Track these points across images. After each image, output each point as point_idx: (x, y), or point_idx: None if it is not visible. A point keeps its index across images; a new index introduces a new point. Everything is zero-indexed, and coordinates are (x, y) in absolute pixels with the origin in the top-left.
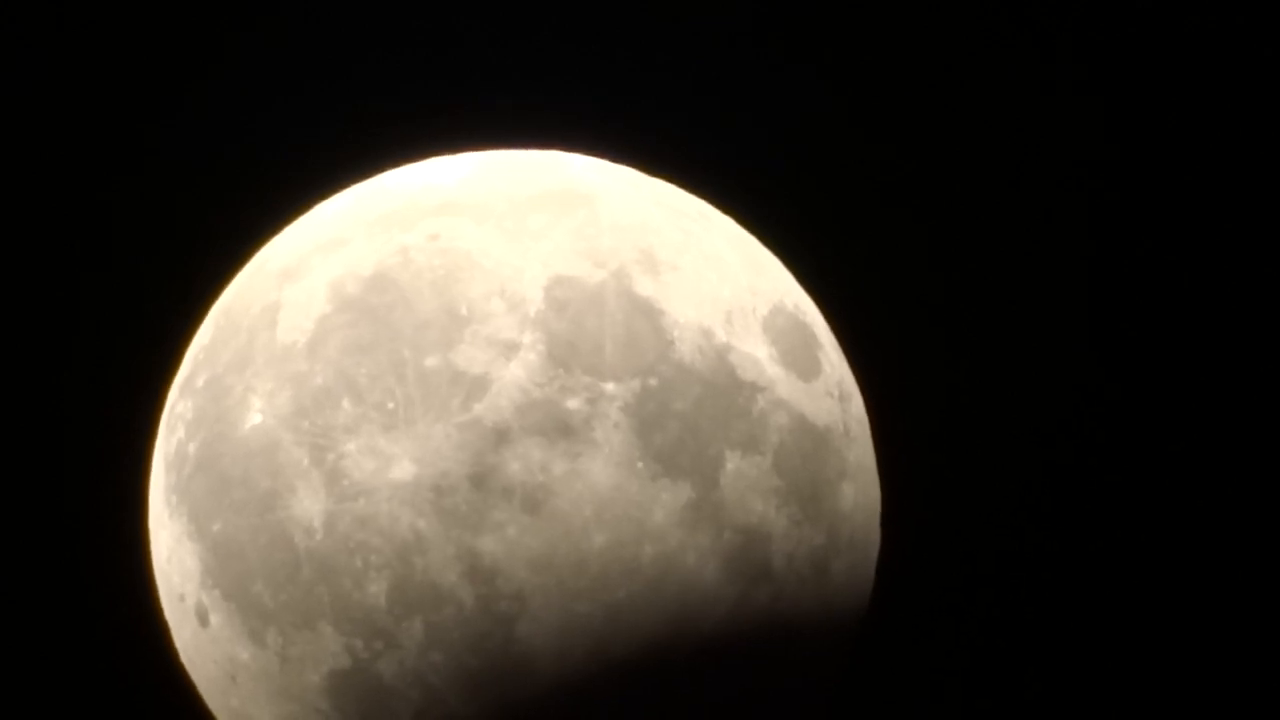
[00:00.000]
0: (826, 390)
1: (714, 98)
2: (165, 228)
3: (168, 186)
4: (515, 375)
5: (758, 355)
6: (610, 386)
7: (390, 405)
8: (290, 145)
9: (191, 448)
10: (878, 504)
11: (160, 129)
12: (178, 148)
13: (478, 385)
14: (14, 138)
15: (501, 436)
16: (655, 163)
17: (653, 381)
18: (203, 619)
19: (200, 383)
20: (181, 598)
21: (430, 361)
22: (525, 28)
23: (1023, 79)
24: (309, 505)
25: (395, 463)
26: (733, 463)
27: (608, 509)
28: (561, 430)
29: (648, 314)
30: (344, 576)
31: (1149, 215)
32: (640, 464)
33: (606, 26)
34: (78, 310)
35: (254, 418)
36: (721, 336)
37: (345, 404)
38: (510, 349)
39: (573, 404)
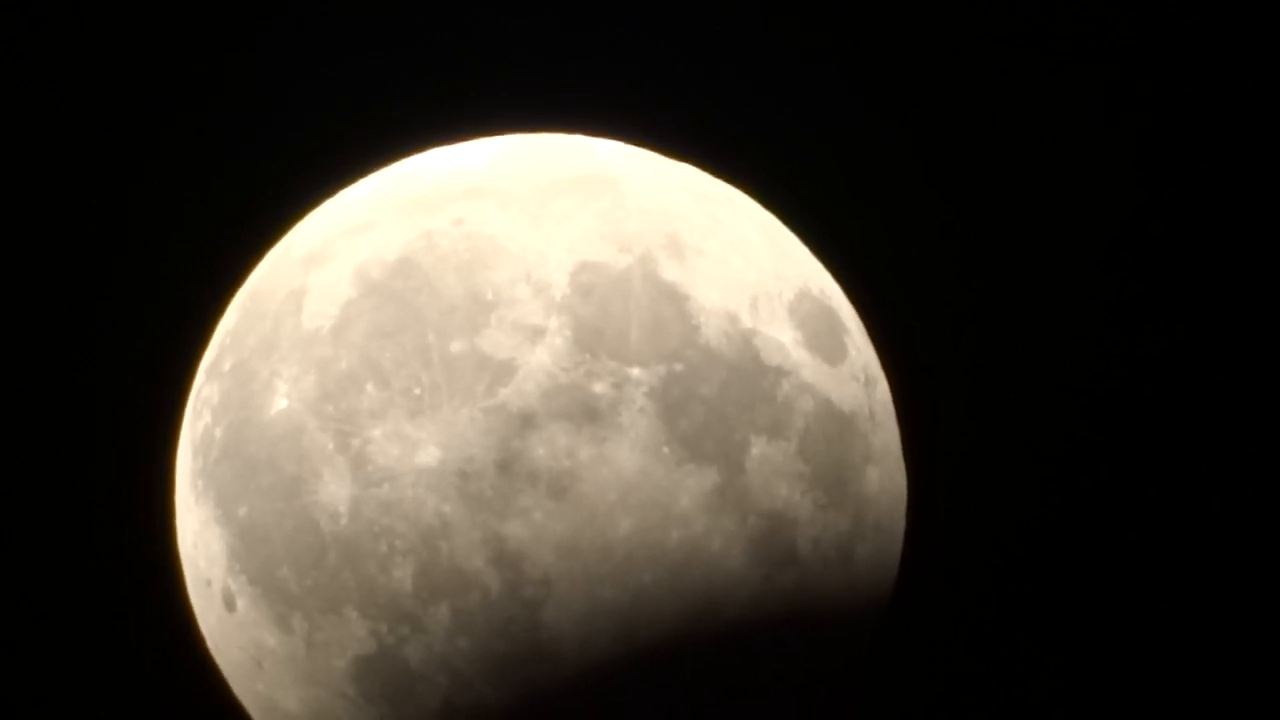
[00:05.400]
0: (852, 375)
1: (741, 82)
2: (191, 213)
3: (193, 172)
4: (541, 360)
5: (783, 340)
6: (636, 371)
7: (416, 390)
8: (317, 129)
9: (218, 432)
10: (903, 489)
11: (183, 116)
12: (202, 134)
13: (503, 370)
14: (40, 132)
15: (527, 421)
16: (682, 148)
17: (678, 366)
18: (229, 604)
19: (226, 367)
20: (208, 583)
21: (455, 346)
22: (553, 10)
23: (1053, 66)
24: (334, 490)
25: (420, 448)
26: (758, 447)
27: (633, 494)
28: (587, 415)
29: (673, 299)
30: (369, 561)
31: (1181, 199)
32: (666, 449)
33: (635, 9)
34: (104, 295)
35: (279, 403)
36: (747, 321)
37: (370, 389)
38: (536, 334)
39: (598, 389)
